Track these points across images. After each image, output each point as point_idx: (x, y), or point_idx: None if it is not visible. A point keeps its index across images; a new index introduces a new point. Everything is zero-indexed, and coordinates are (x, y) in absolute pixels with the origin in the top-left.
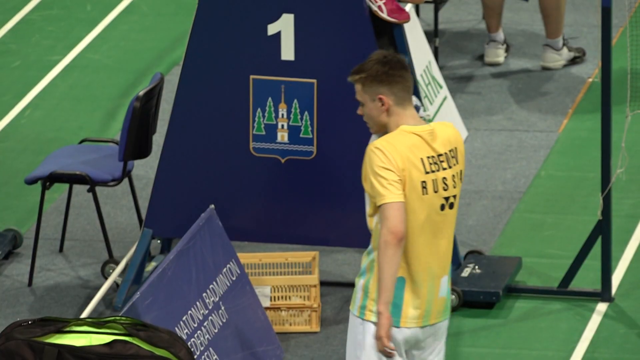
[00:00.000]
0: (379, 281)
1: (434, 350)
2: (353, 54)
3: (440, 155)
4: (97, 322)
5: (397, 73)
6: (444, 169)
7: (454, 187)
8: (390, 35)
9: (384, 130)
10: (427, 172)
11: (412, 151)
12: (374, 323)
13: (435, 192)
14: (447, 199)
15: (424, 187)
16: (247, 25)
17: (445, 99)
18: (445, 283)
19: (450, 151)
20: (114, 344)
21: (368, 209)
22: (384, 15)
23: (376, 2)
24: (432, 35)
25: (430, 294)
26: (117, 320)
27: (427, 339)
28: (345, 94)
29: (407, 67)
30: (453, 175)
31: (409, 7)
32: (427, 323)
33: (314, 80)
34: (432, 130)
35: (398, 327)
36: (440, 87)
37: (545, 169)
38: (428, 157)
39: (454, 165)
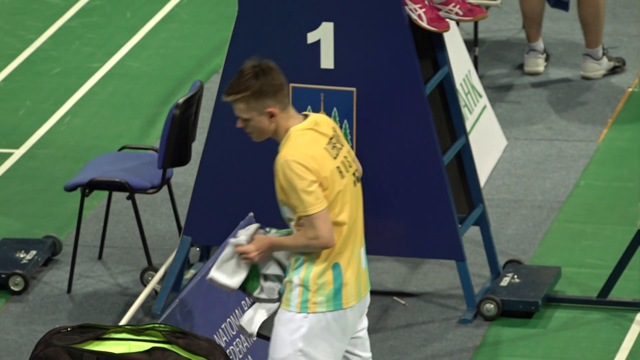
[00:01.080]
0: (285, 246)
1: (362, 323)
2: (393, 62)
3: (331, 138)
4: (136, 329)
5: (276, 81)
6: (340, 148)
7: (354, 162)
8: (429, 43)
9: (268, 136)
10: (335, 157)
11: (316, 147)
12: (322, 312)
13: (347, 171)
14: (354, 174)
15: (340, 172)
16: (287, 33)
17: (484, 108)
18: (363, 254)
19: (334, 130)
20: (152, 352)
21: (289, 215)
22: (424, 24)
23: (416, 10)
24: (471, 44)
25: (358, 268)
26: (156, 328)
27: (363, 313)
28: (384, 103)
29: (278, 69)
30: (348, 151)
31: None
32: (361, 297)
33: (354, 89)
34: (315, 119)
35: (343, 309)
36: (480, 96)
37: (584, 179)
38: (327, 145)
39: (344, 143)
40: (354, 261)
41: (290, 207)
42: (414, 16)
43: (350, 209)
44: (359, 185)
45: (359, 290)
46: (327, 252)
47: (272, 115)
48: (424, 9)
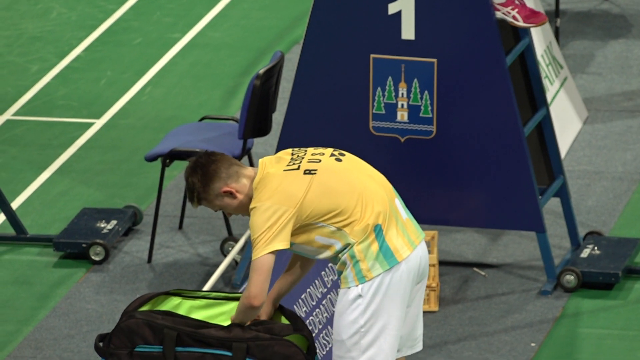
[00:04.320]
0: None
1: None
2: (474, 33)
3: (293, 154)
4: (219, 297)
5: (212, 166)
6: (302, 156)
7: (325, 150)
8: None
9: (249, 202)
10: (298, 167)
11: (281, 174)
12: (379, 275)
13: (320, 161)
14: (331, 155)
15: (310, 172)
16: (368, 4)
17: (565, 79)
18: (400, 205)
19: (291, 154)
20: (232, 329)
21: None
22: (521, 23)
23: (509, 13)
24: (553, 15)
25: (397, 220)
26: (239, 298)
27: (424, 262)
28: (465, 74)
29: (212, 153)
30: (312, 152)
31: None
32: (414, 245)
33: (434, 60)
34: (271, 157)
35: (398, 262)
36: (561, 67)
37: None
38: (290, 162)
39: (305, 150)
40: (392, 215)
41: (253, 245)
42: (509, 19)
43: (354, 178)
44: (346, 156)
45: (409, 240)
46: (364, 223)
47: (231, 193)
48: (516, 9)
